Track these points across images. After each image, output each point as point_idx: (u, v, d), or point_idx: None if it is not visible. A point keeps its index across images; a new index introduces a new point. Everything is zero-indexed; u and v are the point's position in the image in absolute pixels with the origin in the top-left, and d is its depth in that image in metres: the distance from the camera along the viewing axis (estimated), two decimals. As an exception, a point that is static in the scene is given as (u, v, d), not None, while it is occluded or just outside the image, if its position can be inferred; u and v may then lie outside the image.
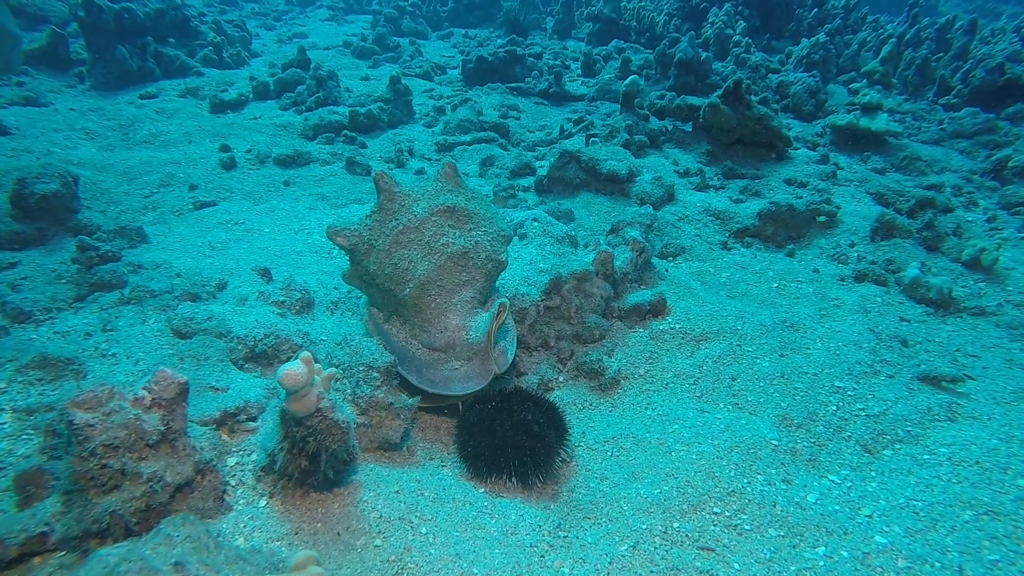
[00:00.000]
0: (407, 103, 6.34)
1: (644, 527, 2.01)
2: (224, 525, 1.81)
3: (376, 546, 1.80)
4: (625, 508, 2.11)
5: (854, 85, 5.91)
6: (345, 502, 1.98)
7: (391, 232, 2.41)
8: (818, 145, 5.88)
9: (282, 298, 3.08)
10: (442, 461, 2.42)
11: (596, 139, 5.25)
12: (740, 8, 10.01)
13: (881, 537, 1.97)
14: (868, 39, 10.12)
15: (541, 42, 10.69)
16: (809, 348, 3.02)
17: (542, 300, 3.01)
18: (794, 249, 4.18)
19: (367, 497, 2.00)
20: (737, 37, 8.85)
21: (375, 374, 2.35)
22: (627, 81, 5.36)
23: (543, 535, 2.00)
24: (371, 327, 2.63)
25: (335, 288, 3.45)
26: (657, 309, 3.16)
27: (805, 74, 7.06)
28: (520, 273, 3.24)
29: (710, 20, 9.51)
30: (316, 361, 1.95)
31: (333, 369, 1.86)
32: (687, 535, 1.99)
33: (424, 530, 1.90)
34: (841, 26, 9.93)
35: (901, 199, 4.66)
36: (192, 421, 2.07)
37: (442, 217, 2.44)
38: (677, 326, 3.09)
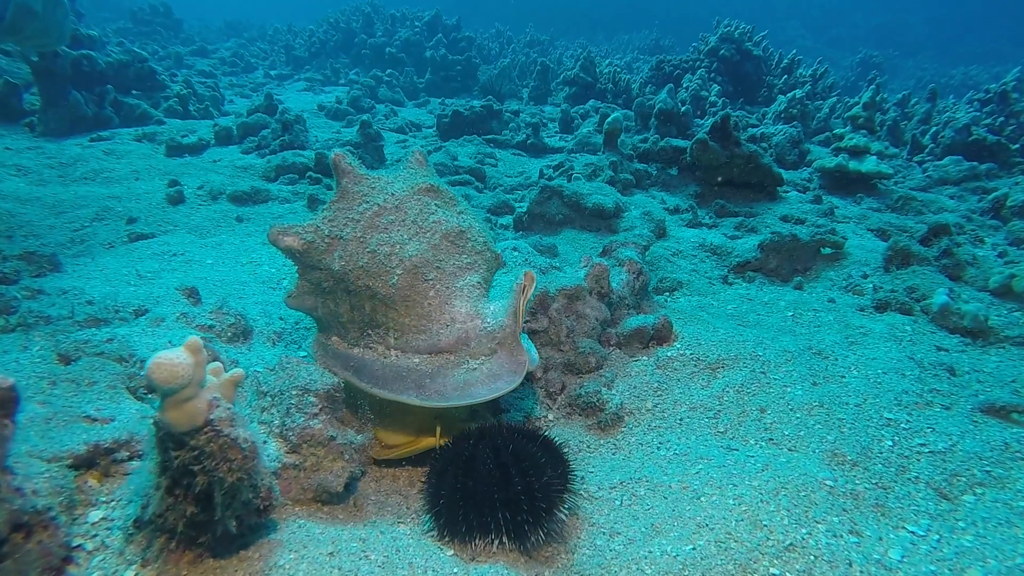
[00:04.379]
0: (378, 148, 6.03)
1: (679, 598, 1.43)
2: (53, 606, 1.19)
3: (285, 633, 1.20)
4: (648, 572, 1.53)
5: (839, 130, 5.78)
6: (253, 569, 1.38)
7: (363, 215, 1.86)
8: (808, 188, 5.66)
9: (210, 322, 2.53)
10: (399, 517, 1.82)
11: (579, 177, 4.93)
12: (713, 75, 10.22)
13: (1008, 605, 1.42)
14: (837, 107, 10.36)
15: (519, 106, 10.71)
16: (844, 376, 2.54)
17: (526, 322, 2.51)
18: (802, 282, 3.78)
19: (285, 561, 1.40)
20: (713, 99, 8.92)
21: (311, 399, 1.79)
22: (609, 119, 5.12)
23: (537, 613, 1.40)
24: (327, 363, 1.92)
25: (280, 319, 2.91)
26: (662, 335, 2.68)
27: (786, 125, 6.99)
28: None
29: (684, 85, 9.63)
30: (216, 360, 1.41)
31: (239, 369, 1.31)
32: (740, 608, 1.41)
33: (363, 608, 1.30)
34: (811, 92, 10.15)
35: (906, 235, 4.35)
36: (37, 456, 1.48)
37: (427, 196, 1.93)
38: (688, 352, 2.60)
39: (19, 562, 1.17)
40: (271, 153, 5.78)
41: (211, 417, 1.21)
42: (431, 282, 1.79)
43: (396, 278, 1.79)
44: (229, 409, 1.24)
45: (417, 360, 1.81)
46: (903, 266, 3.66)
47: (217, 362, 1.31)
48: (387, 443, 1.96)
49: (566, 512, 1.67)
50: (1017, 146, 7.71)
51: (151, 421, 1.23)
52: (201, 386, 1.22)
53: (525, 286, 1.76)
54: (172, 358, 1.14)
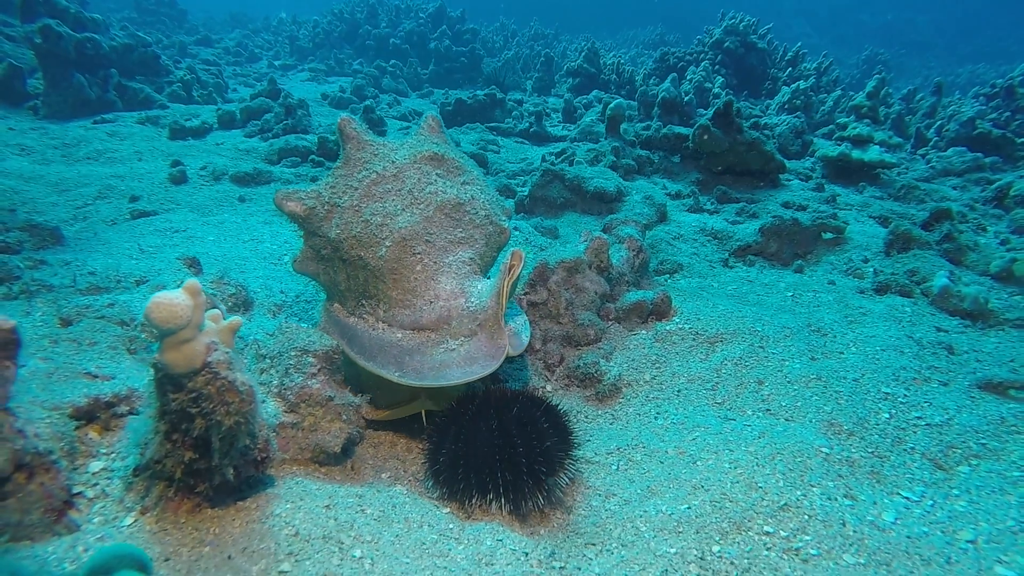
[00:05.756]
0: (381, 134, 6.02)
1: (673, 552, 1.44)
2: (49, 548, 1.20)
3: (281, 572, 1.21)
4: (643, 529, 1.54)
5: (842, 120, 5.77)
6: (250, 518, 1.39)
7: (361, 183, 1.84)
8: (810, 177, 5.65)
9: (211, 291, 2.54)
10: (396, 479, 1.84)
11: (581, 163, 4.93)
12: (717, 67, 10.19)
13: (1004, 569, 1.43)
14: (841, 100, 10.33)
15: (522, 97, 10.70)
16: (843, 353, 2.55)
17: (525, 294, 2.52)
18: (802, 265, 3.78)
19: (282, 510, 1.42)
20: (716, 90, 8.89)
21: (310, 359, 1.80)
22: (612, 105, 5.12)
23: (531, 565, 1.41)
24: (328, 328, 1.96)
25: (281, 292, 2.92)
26: (661, 310, 2.68)
27: (790, 116, 6.97)
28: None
29: (688, 77, 9.60)
30: (213, 306, 1.42)
31: (237, 317, 1.32)
32: (732, 562, 1.42)
33: (358, 553, 1.31)
34: (815, 85, 10.11)
35: (907, 220, 4.34)
36: (39, 405, 1.49)
37: (428, 164, 1.89)
38: (687, 326, 2.60)
39: (22, 501, 1.19)
40: (274, 137, 5.79)
41: (209, 360, 1.22)
42: (419, 256, 1.76)
43: (385, 250, 1.76)
44: (227, 353, 1.25)
45: (400, 335, 1.79)
46: (904, 250, 3.66)
47: (216, 309, 1.32)
48: (378, 405, 1.98)
49: (567, 478, 1.67)
50: (1023, 140, 7.68)
51: (150, 363, 1.24)
52: (200, 330, 1.23)
53: (512, 266, 1.67)
54: (171, 298, 1.15)
